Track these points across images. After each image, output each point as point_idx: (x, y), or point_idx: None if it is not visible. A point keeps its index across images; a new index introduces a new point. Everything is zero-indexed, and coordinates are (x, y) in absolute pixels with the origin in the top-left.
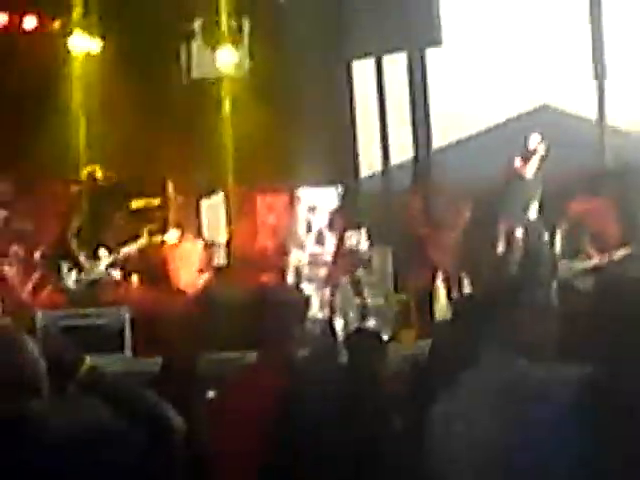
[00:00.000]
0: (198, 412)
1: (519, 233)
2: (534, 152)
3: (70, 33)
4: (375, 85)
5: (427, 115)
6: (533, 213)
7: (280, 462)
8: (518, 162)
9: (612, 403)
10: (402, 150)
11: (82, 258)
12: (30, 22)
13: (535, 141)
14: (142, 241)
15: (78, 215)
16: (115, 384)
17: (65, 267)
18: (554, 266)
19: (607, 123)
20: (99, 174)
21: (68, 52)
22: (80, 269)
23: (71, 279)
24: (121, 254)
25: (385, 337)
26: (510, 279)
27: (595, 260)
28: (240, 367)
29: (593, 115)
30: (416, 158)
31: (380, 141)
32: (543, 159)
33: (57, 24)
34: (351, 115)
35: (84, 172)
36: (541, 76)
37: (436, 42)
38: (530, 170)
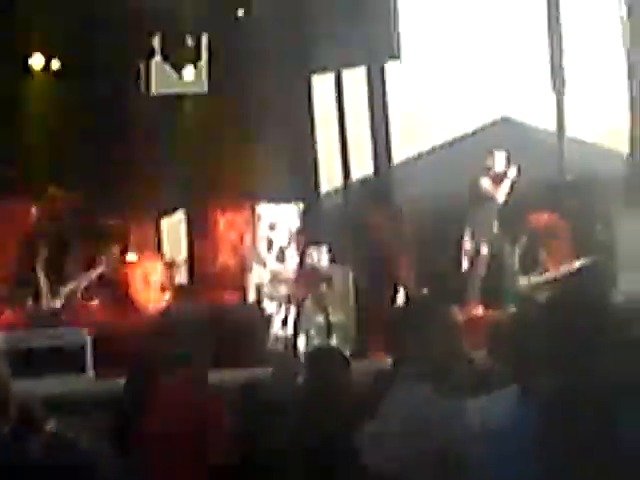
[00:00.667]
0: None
1: (484, 250)
2: (504, 175)
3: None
4: (335, 100)
5: (387, 129)
6: (496, 228)
7: None
8: (487, 183)
9: (562, 413)
10: (362, 165)
11: (45, 286)
12: None
13: (502, 163)
14: (102, 267)
15: (44, 241)
16: None
17: (28, 294)
18: (514, 280)
19: (566, 135)
20: (60, 195)
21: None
22: (41, 295)
23: (33, 306)
24: (83, 281)
25: (347, 354)
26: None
27: (551, 273)
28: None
29: (553, 127)
30: (376, 173)
31: (340, 156)
32: (514, 183)
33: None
34: (311, 130)
35: (46, 193)
36: (500, 89)
37: (395, 56)
38: (502, 194)
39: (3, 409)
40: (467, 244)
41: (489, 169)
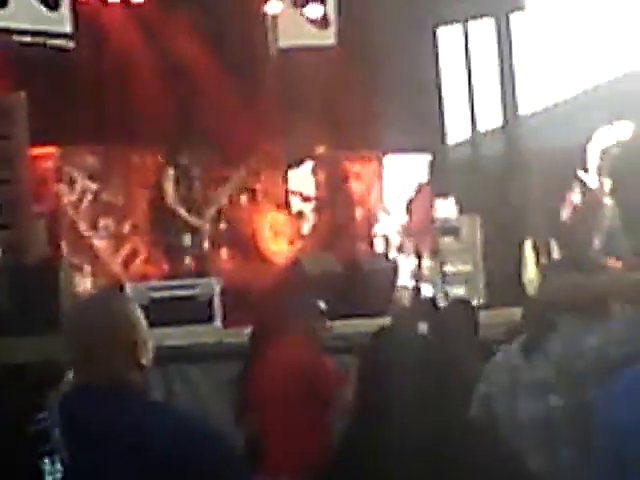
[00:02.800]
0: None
1: None
2: None
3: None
4: (462, 51)
5: (513, 80)
6: None
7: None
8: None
9: None
10: (489, 116)
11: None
12: None
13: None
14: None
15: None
16: None
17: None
18: None
19: None
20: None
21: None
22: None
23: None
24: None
25: (475, 304)
26: None
27: None
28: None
29: None
30: (504, 124)
31: (468, 107)
32: None
33: None
34: (437, 81)
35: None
36: (630, 41)
37: (520, 7)
38: None
39: (134, 350)
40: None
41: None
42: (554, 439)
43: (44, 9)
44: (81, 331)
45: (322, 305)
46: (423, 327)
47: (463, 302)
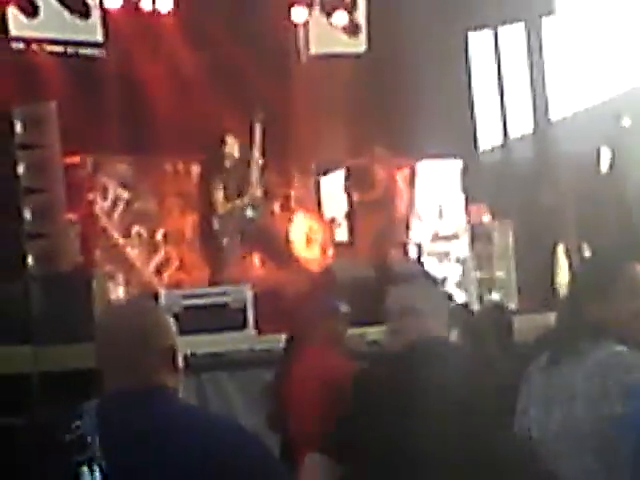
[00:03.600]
0: None
1: None
2: None
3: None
4: (493, 56)
5: (544, 86)
6: None
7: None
8: None
9: None
10: (521, 122)
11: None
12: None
13: None
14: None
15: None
16: None
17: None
18: None
19: None
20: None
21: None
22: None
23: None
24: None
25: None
26: None
27: None
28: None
29: None
30: (535, 129)
31: (499, 112)
32: None
33: None
34: (469, 87)
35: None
36: None
37: (551, 11)
38: None
39: (170, 354)
40: None
41: None
42: (581, 449)
43: (75, 18)
44: (116, 336)
45: (345, 308)
46: (454, 333)
47: (497, 306)
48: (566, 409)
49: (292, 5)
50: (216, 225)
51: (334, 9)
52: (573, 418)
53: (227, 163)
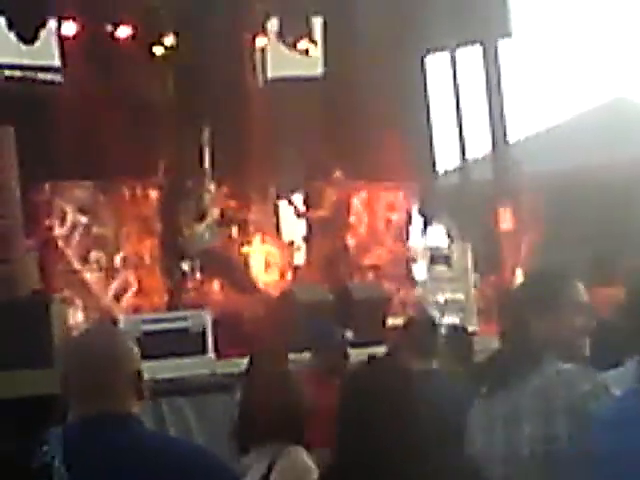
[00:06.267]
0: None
1: None
2: None
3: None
4: (450, 78)
5: (502, 107)
6: None
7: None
8: None
9: None
10: (479, 143)
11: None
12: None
13: None
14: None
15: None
16: None
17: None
18: None
19: None
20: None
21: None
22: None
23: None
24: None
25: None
26: None
27: None
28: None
29: None
30: (493, 151)
31: (457, 135)
32: None
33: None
34: (426, 109)
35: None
36: (615, 69)
37: (508, 34)
38: None
39: (137, 381)
40: None
41: None
42: (527, 470)
43: (21, 44)
44: (87, 361)
45: (349, 334)
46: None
47: (457, 329)
48: (511, 431)
49: (249, 31)
50: (179, 249)
51: (291, 34)
52: (517, 440)
53: (184, 188)
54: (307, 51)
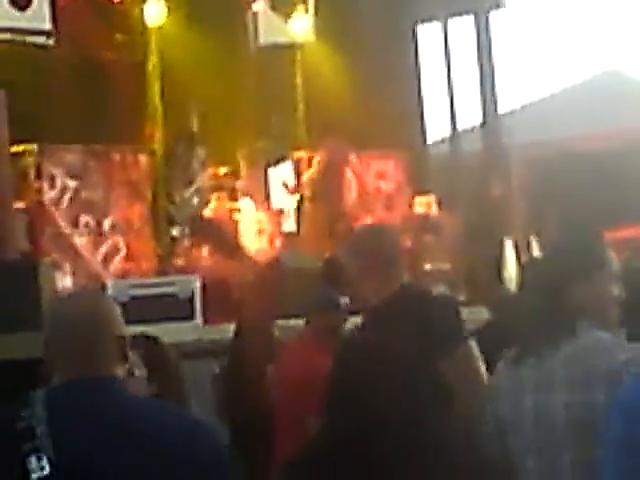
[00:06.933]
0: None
1: None
2: None
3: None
4: (442, 49)
5: (493, 78)
6: None
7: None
8: None
9: None
10: (469, 114)
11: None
12: None
13: None
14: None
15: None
16: None
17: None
18: None
19: None
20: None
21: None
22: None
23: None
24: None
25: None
26: None
27: None
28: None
29: None
30: (484, 122)
31: (448, 104)
32: None
33: None
34: (418, 80)
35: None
36: (610, 42)
37: (501, 5)
38: None
39: (120, 344)
40: None
41: None
42: (558, 437)
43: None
44: (70, 325)
45: (343, 300)
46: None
47: (445, 299)
48: (544, 397)
49: None
50: (168, 214)
51: (285, 2)
52: (551, 407)
53: (174, 154)
54: (298, 20)
